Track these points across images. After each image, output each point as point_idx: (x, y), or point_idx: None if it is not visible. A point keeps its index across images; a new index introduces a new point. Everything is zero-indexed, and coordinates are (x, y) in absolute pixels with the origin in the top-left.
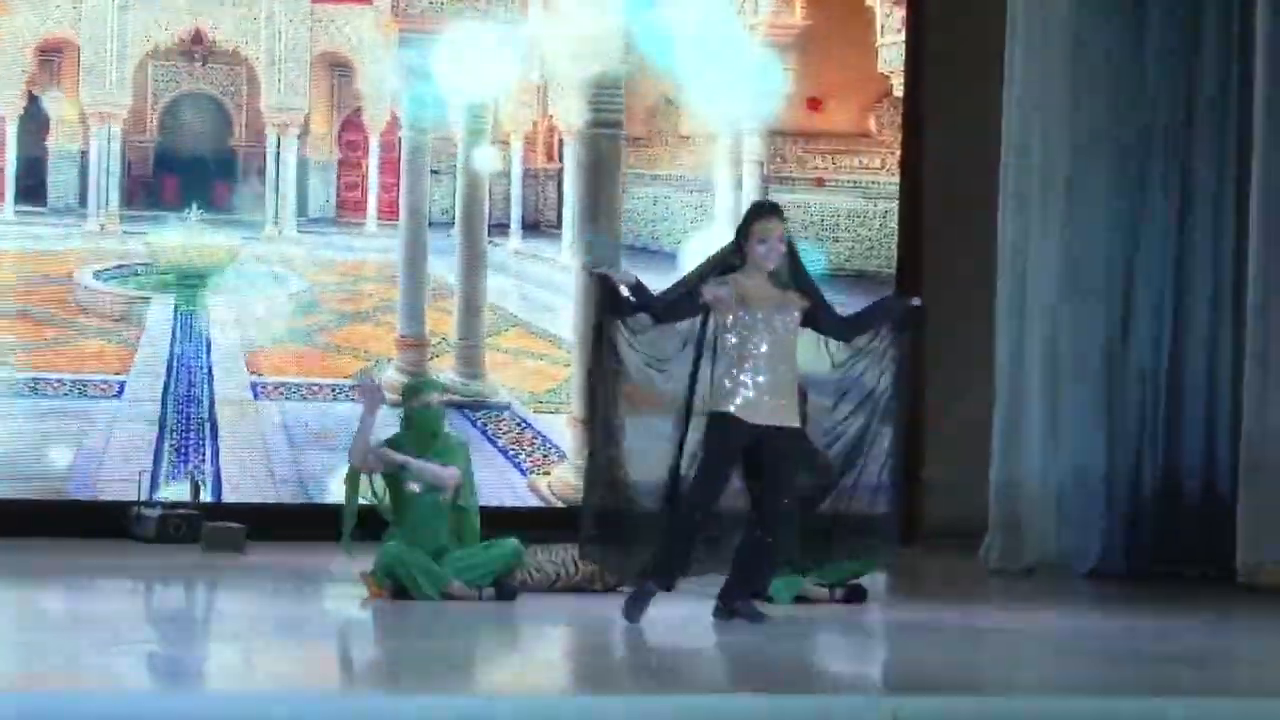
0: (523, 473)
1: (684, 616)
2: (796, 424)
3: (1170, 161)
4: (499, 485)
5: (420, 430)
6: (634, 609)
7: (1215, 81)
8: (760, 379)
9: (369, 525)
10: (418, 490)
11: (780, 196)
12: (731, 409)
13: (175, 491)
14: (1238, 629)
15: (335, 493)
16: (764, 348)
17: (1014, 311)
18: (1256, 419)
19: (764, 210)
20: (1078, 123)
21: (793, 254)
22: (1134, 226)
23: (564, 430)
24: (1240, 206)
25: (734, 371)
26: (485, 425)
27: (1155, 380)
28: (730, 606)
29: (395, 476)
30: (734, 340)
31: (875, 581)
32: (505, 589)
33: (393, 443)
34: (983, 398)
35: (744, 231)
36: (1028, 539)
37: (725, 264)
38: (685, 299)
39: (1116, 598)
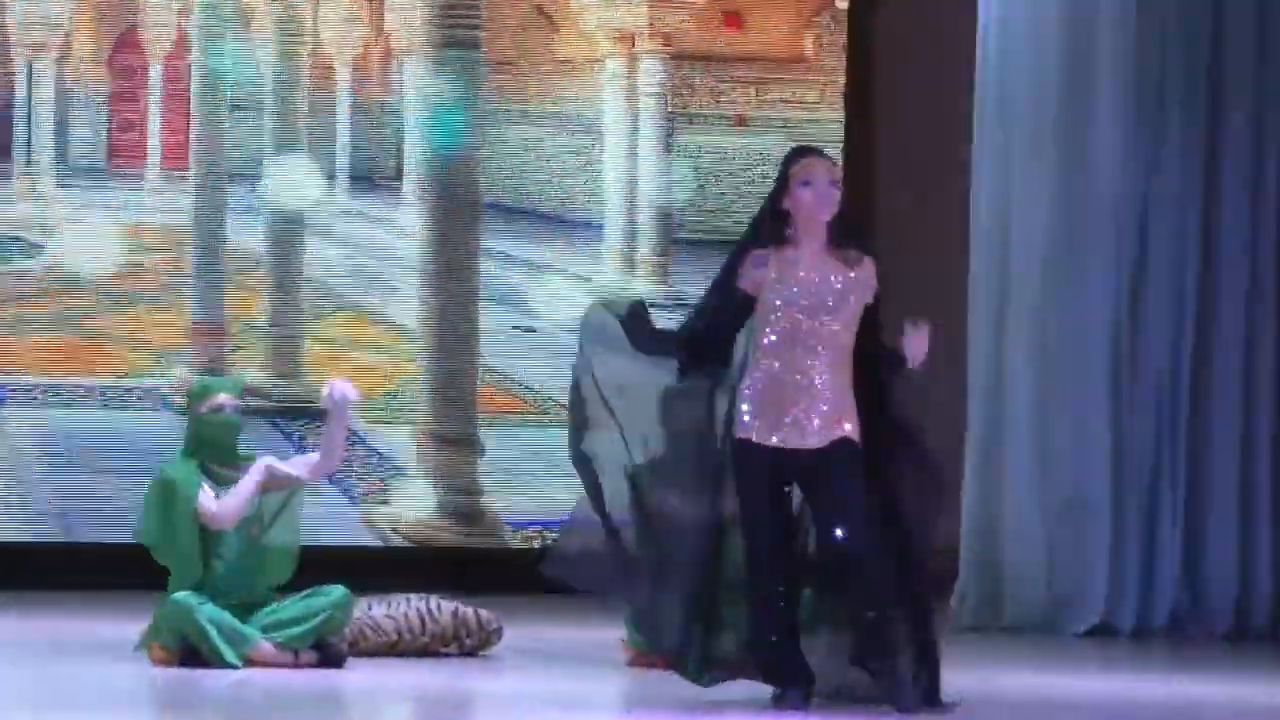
0: (353, 501)
1: None
2: (855, 437)
3: (1193, 90)
4: (322, 517)
5: (209, 445)
6: None
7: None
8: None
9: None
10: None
11: (688, 139)
12: (754, 437)
13: None
14: None
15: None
16: (813, 345)
17: (991, 291)
18: None
19: (804, 149)
20: (1073, 41)
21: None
22: (1146, 181)
23: (407, 446)
24: None
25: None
26: (303, 439)
27: (1175, 383)
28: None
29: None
30: (772, 337)
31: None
32: (330, 652)
33: (173, 468)
34: (952, 408)
35: (781, 181)
36: (1010, 589)
37: (761, 235)
38: (723, 302)
39: (1125, 663)
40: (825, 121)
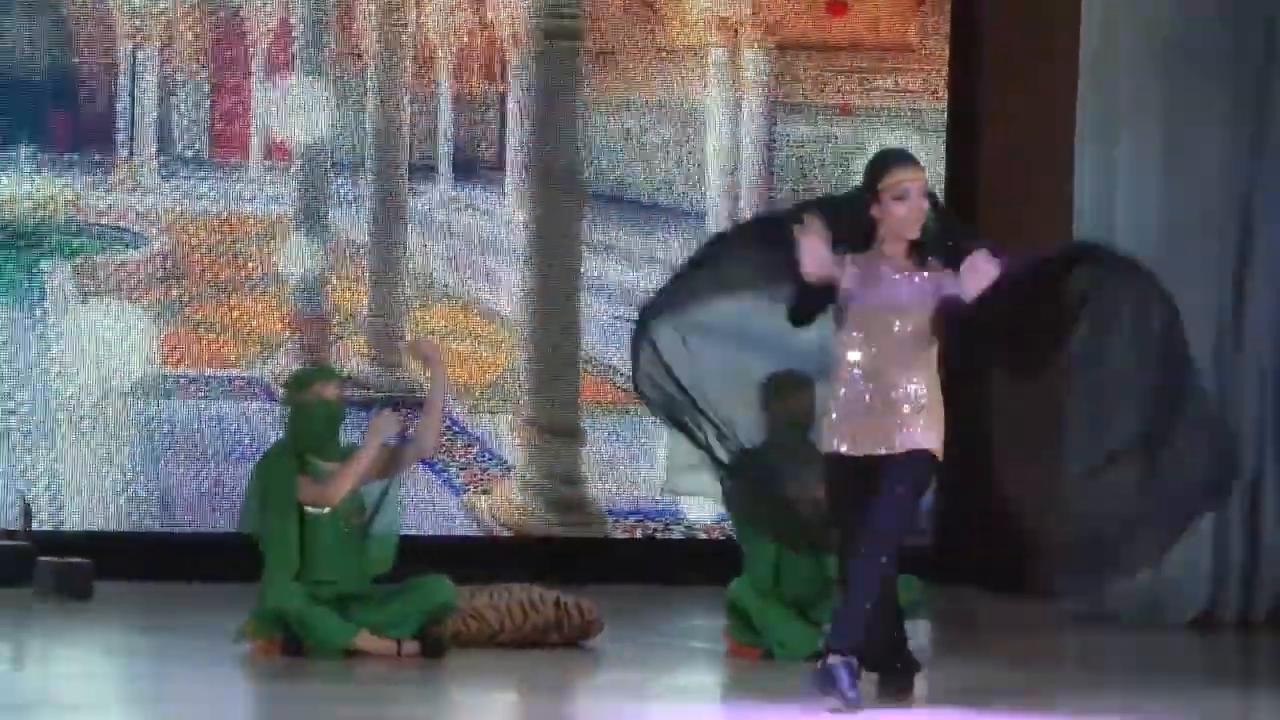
0: (455, 491)
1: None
2: (925, 445)
3: None
4: (423, 507)
5: (309, 432)
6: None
7: None
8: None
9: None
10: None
11: (791, 128)
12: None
13: None
14: None
15: (196, 520)
16: (889, 353)
17: None
18: None
19: (894, 157)
20: (1182, 27)
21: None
22: (1250, 179)
23: (507, 435)
24: None
25: (841, 391)
26: (406, 429)
27: (1278, 378)
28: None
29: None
30: (848, 344)
31: (914, 630)
32: (433, 642)
33: (272, 456)
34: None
35: (870, 189)
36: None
37: (844, 238)
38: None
39: (1228, 654)
40: (928, 111)
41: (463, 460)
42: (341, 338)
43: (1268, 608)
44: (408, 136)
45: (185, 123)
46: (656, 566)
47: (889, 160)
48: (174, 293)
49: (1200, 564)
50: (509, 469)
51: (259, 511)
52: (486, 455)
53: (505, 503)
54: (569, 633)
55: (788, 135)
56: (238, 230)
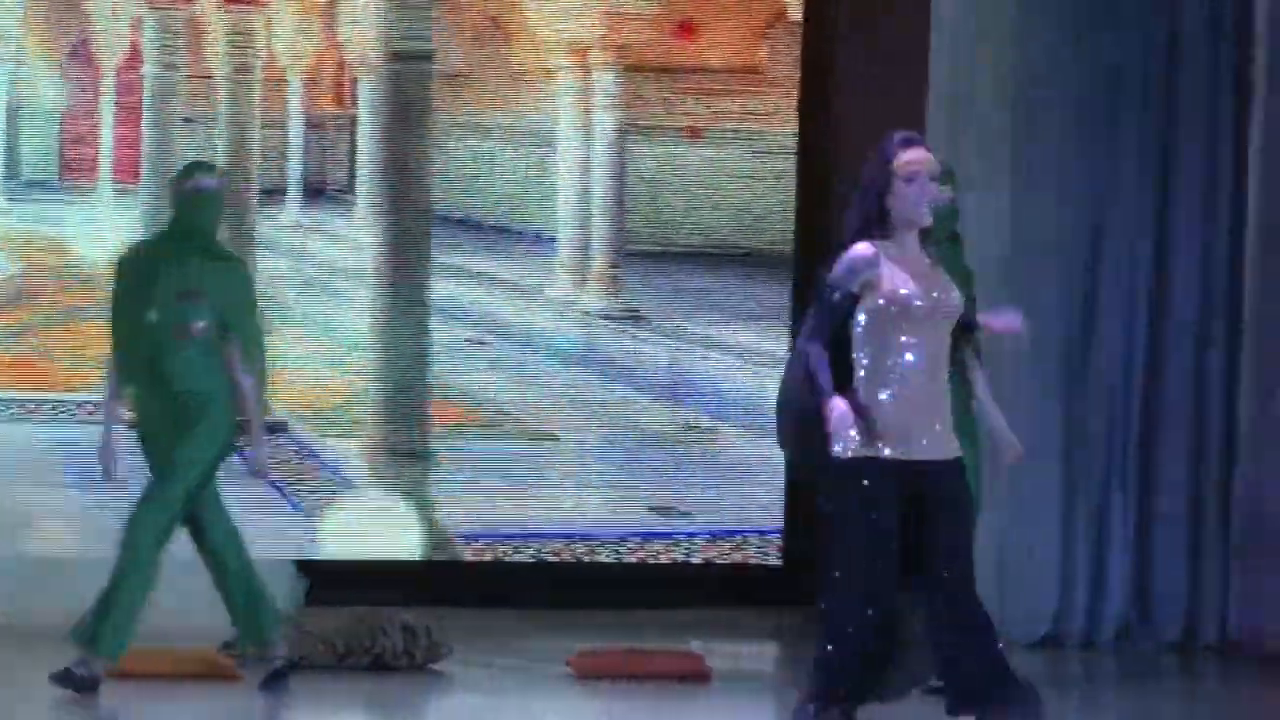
0: (303, 514)
1: None
2: (959, 452)
3: (1147, 100)
4: (270, 530)
5: (183, 227)
6: None
7: (1204, 13)
8: (910, 396)
9: None
10: None
11: (641, 150)
12: (877, 449)
13: None
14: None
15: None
16: (914, 353)
17: None
18: (1253, 457)
19: (907, 139)
20: (1027, 52)
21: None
22: (1099, 197)
23: (356, 458)
24: (1238, 173)
25: (873, 391)
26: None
27: (1126, 397)
28: None
29: None
30: (872, 345)
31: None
32: (273, 676)
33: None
34: None
35: (882, 176)
36: None
37: (869, 222)
38: (839, 309)
39: (1072, 675)
40: (779, 134)
41: (312, 483)
42: None
43: (1114, 630)
44: (257, 159)
45: (34, 146)
46: (506, 590)
47: (903, 140)
48: (23, 317)
49: (1045, 587)
50: (358, 492)
51: None
52: (336, 478)
53: (353, 526)
54: (418, 656)
55: (637, 157)
56: (86, 255)
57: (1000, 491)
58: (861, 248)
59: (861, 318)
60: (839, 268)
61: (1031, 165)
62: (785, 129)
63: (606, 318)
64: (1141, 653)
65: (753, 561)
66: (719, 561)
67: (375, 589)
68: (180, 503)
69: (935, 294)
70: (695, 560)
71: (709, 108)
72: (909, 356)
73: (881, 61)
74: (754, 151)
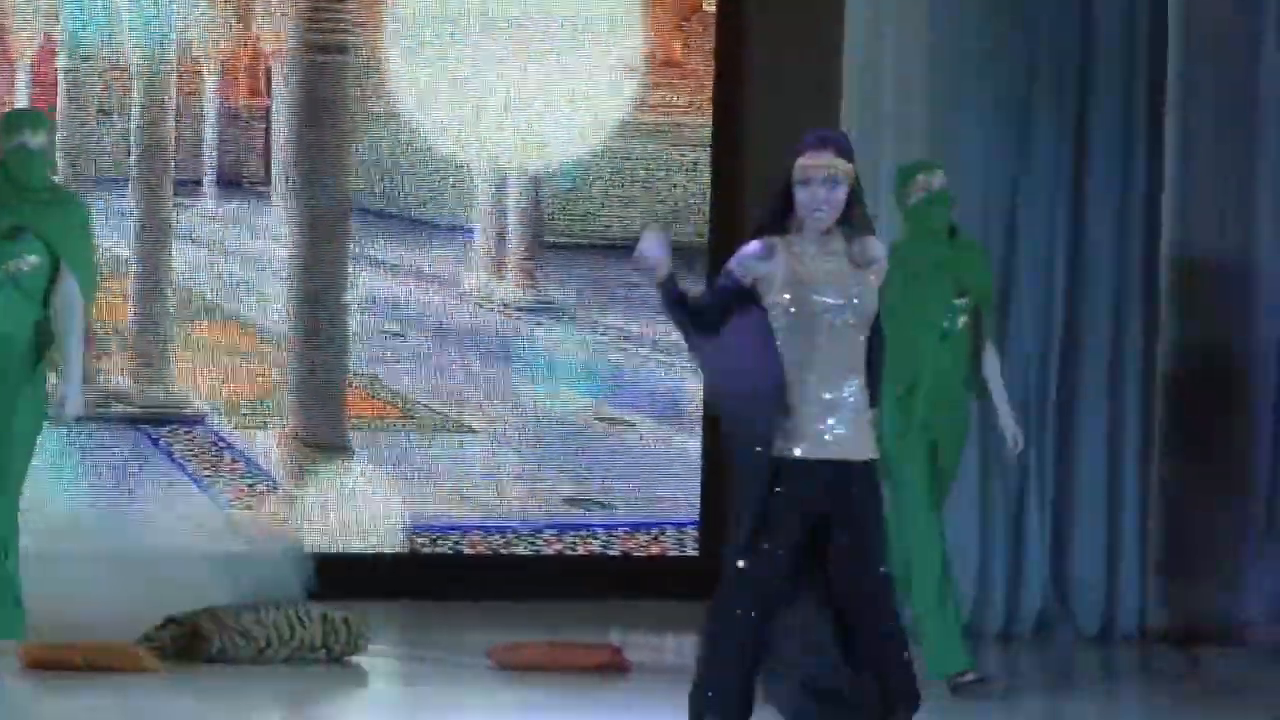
0: (220, 506)
1: None
2: (874, 453)
3: (1062, 89)
4: (190, 523)
5: (12, 184)
6: None
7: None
8: (826, 396)
9: None
10: None
11: (558, 142)
12: (794, 449)
13: None
14: None
15: None
16: (827, 351)
17: None
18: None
19: (815, 140)
20: (941, 39)
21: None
22: (1014, 180)
23: (273, 451)
24: (1151, 179)
25: (792, 390)
26: (171, 445)
27: (1043, 384)
28: None
29: None
30: (785, 342)
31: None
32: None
33: None
34: None
35: (787, 174)
36: None
37: (774, 220)
38: (723, 293)
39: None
40: (694, 126)
41: (229, 476)
42: (105, 353)
43: (1031, 624)
44: (172, 151)
45: None
46: (423, 581)
47: (806, 143)
48: None
49: (963, 578)
50: (275, 485)
51: None
52: (253, 471)
53: (271, 519)
54: (336, 649)
55: (554, 148)
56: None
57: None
58: (753, 245)
59: (774, 317)
60: (731, 259)
61: (945, 154)
62: (700, 122)
63: (523, 309)
64: (1059, 643)
65: (670, 553)
66: (636, 554)
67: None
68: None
69: (842, 296)
70: (613, 552)
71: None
72: (817, 356)
73: (798, 50)
74: (668, 143)
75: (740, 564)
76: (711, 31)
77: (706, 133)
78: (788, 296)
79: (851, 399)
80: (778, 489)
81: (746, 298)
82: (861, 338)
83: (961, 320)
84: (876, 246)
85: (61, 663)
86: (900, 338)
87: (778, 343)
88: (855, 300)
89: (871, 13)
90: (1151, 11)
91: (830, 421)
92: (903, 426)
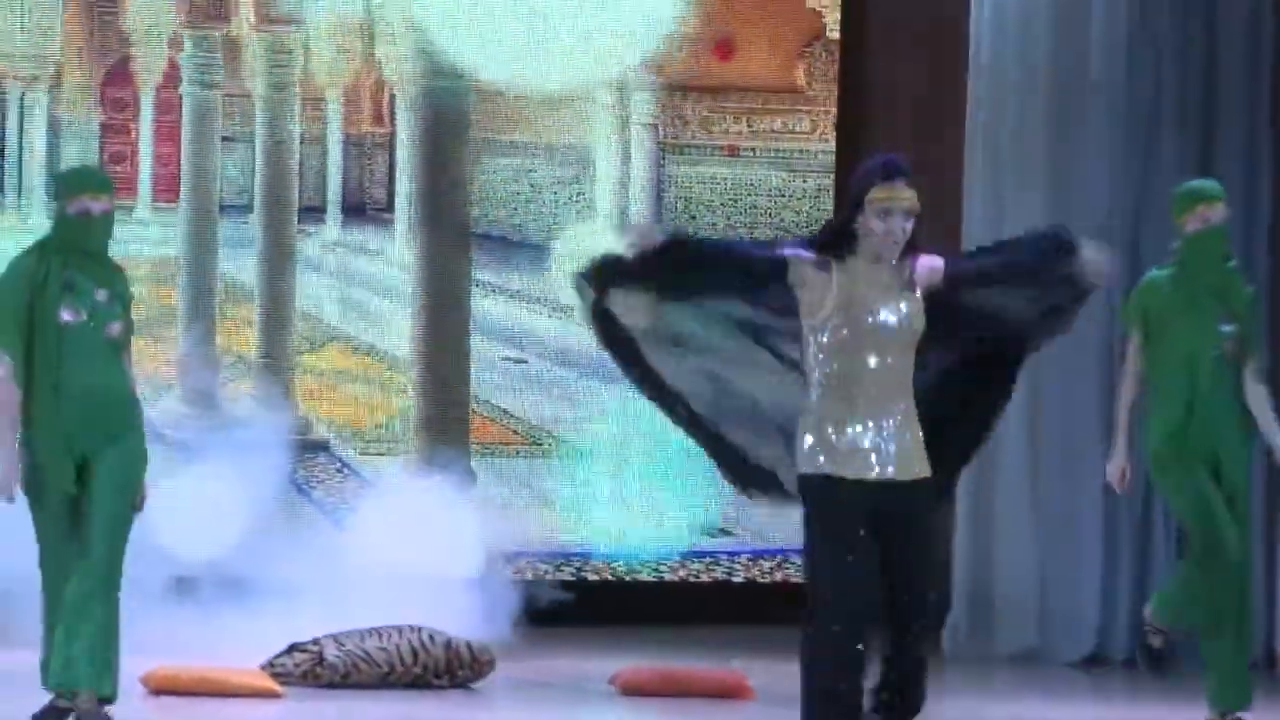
0: (344, 531)
1: None
2: (924, 471)
3: (1185, 113)
4: (311, 550)
5: (72, 247)
6: None
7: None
8: (875, 416)
9: None
10: None
11: (679, 169)
12: (841, 469)
13: None
14: None
15: None
16: (878, 371)
17: None
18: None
19: (889, 169)
20: (1064, 68)
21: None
22: (1135, 207)
23: (398, 476)
24: (1276, 205)
25: (834, 408)
26: (295, 471)
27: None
28: None
29: None
30: (831, 363)
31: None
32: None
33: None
34: None
35: (856, 200)
36: (1002, 618)
37: (836, 243)
38: (759, 261)
39: (1118, 693)
40: (817, 152)
41: (354, 501)
42: (230, 380)
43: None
44: (297, 178)
45: (74, 164)
46: (549, 608)
47: (883, 171)
48: None
49: (1088, 604)
50: (398, 510)
51: None
52: (376, 496)
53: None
54: (460, 675)
55: (675, 176)
56: (126, 272)
57: (1044, 510)
58: (806, 250)
59: (820, 337)
60: (784, 245)
61: (1067, 182)
62: (823, 148)
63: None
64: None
65: (793, 580)
66: (760, 580)
67: (418, 606)
68: None
69: (894, 315)
70: (737, 579)
71: (747, 127)
72: (867, 376)
73: (918, 80)
74: (791, 170)
75: (826, 585)
76: (834, 59)
77: (830, 159)
78: (840, 317)
79: (901, 418)
80: (838, 505)
81: (768, 283)
82: (910, 357)
83: (1228, 346)
84: (924, 261)
85: (185, 688)
86: (1175, 359)
87: (816, 371)
88: (906, 320)
89: (995, 38)
90: (1276, 38)
91: (879, 440)
92: (1178, 448)
